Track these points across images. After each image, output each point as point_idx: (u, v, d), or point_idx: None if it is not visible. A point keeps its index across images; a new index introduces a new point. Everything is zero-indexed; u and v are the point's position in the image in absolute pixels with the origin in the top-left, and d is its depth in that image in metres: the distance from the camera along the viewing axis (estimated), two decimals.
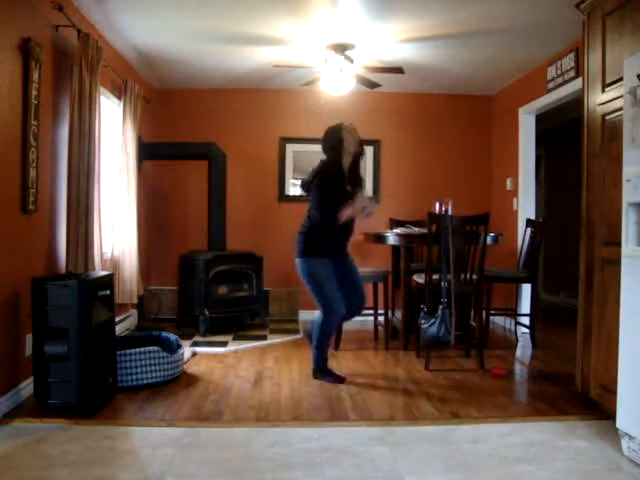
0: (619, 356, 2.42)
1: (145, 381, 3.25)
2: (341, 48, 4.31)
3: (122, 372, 3.20)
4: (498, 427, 2.71)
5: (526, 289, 4.92)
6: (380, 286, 4.52)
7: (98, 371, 2.89)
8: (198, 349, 4.24)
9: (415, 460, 2.35)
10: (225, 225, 5.24)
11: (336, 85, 4.47)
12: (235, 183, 5.51)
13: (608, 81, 2.76)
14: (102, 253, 3.74)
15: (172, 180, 5.72)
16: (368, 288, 4.60)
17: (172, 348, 3.51)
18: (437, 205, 4.11)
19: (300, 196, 5.80)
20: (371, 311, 4.66)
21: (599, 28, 2.84)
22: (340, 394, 3.21)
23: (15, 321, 2.90)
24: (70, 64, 3.37)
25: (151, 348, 3.31)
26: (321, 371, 3.51)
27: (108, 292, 3.12)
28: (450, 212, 4.01)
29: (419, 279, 4.04)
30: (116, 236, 4.35)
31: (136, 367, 3.24)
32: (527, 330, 4.62)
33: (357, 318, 3.68)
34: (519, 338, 4.77)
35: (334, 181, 3.35)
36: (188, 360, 3.89)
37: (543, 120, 5.29)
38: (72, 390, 2.75)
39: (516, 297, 5.02)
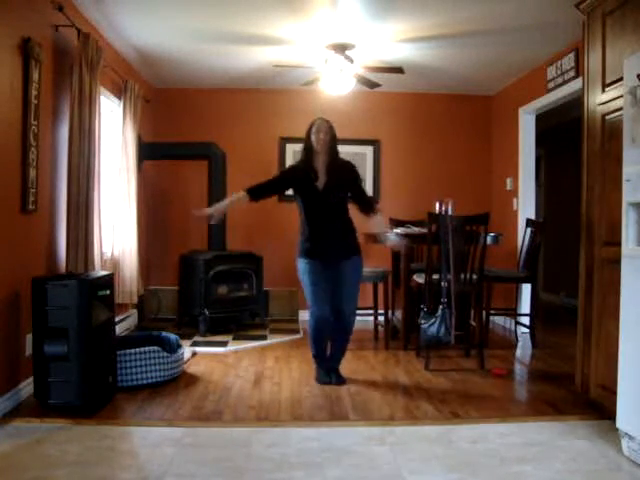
0: (619, 356, 2.42)
1: (145, 381, 3.25)
2: (341, 48, 4.31)
3: (122, 372, 3.21)
4: (498, 427, 2.71)
5: (526, 289, 4.92)
6: (380, 286, 4.51)
7: (98, 371, 2.89)
8: (198, 349, 4.23)
9: (415, 460, 2.35)
10: (225, 225, 5.23)
11: (336, 85, 4.46)
12: (235, 183, 5.47)
13: (608, 81, 2.76)
14: (102, 253, 3.74)
15: (172, 180, 5.72)
16: (368, 288, 4.65)
17: (172, 348, 3.51)
18: (437, 205, 4.11)
19: None
20: (371, 311, 4.67)
21: (599, 28, 2.84)
22: (340, 394, 3.22)
23: (15, 321, 2.91)
24: (70, 64, 3.37)
25: (151, 348, 3.31)
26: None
27: (108, 292, 3.12)
28: (450, 212, 4.01)
29: (419, 279, 4.04)
30: (116, 236, 4.35)
31: (136, 367, 3.24)
32: (527, 330, 4.62)
33: (357, 318, 3.59)
34: (519, 338, 4.77)
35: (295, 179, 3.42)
36: (188, 360, 3.89)
37: (543, 120, 5.28)
38: (72, 390, 2.76)
39: (516, 297, 5.02)
